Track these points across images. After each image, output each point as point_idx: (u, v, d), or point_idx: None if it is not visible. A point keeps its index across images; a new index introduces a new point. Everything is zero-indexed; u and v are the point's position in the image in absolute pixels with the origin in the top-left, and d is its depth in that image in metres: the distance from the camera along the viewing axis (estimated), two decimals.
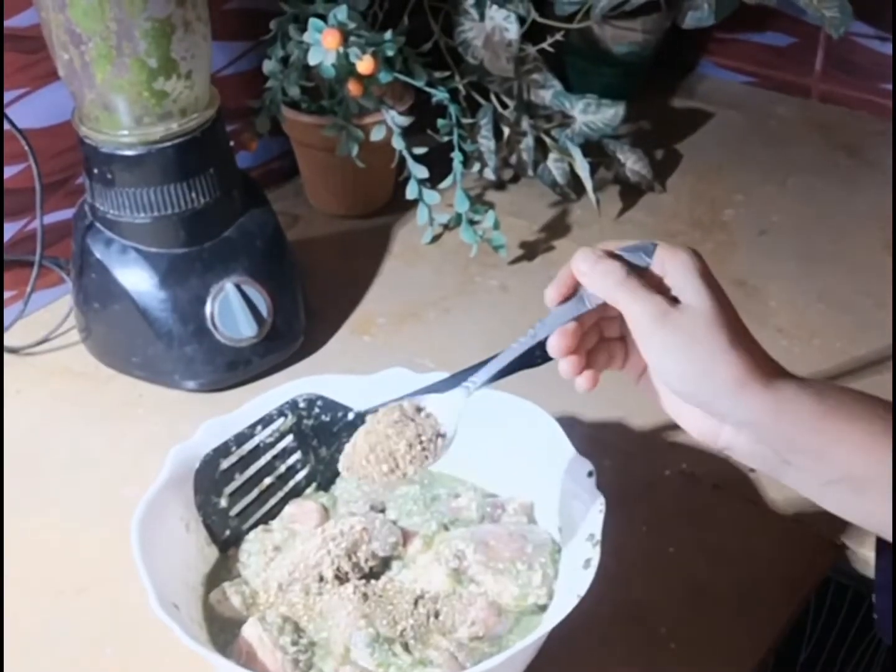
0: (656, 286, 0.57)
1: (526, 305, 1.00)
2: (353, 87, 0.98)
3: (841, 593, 0.92)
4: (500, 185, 1.17)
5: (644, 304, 0.56)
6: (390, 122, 1.01)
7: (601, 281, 0.57)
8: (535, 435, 0.71)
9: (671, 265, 0.57)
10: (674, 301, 0.56)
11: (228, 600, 0.66)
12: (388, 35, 0.97)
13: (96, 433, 0.87)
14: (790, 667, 0.99)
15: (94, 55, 0.79)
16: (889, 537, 0.56)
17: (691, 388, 0.56)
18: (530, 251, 1.08)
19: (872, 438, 0.55)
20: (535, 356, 0.72)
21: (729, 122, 1.30)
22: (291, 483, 0.73)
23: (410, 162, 1.01)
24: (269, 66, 1.02)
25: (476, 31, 1.05)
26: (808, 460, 0.56)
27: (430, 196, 1.03)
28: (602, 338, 0.62)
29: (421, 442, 0.61)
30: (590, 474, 0.67)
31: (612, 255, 0.58)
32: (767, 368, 0.56)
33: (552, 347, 0.58)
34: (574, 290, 0.59)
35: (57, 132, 0.95)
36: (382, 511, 0.72)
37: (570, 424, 0.72)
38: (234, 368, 0.90)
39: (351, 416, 0.73)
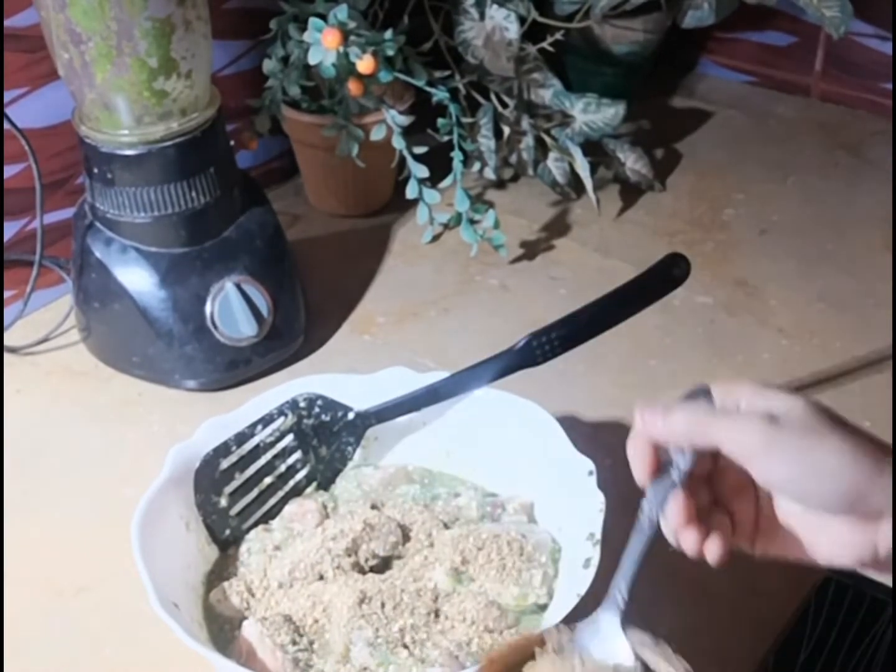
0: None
1: (526, 305, 1.00)
2: (353, 87, 0.98)
3: (841, 593, 0.92)
4: (500, 184, 1.17)
5: (744, 427, 0.51)
6: (390, 122, 1.01)
7: (686, 428, 0.52)
8: (535, 435, 0.71)
9: (741, 392, 0.53)
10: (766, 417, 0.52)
11: (228, 599, 0.66)
12: (388, 34, 0.97)
13: (96, 433, 0.87)
14: (790, 667, 0.99)
15: (94, 54, 0.79)
16: None
17: (836, 485, 0.51)
18: (530, 250, 1.08)
19: None
20: (536, 355, 0.72)
21: (729, 121, 1.30)
22: (292, 482, 0.73)
23: (410, 161, 1.01)
24: (269, 65, 1.02)
25: (476, 31, 1.05)
26: None
27: (431, 195, 1.03)
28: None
29: None
30: (590, 473, 0.67)
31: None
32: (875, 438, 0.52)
33: (670, 527, 0.54)
34: (658, 461, 0.54)
35: (57, 132, 0.95)
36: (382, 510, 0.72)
37: (570, 424, 0.71)
38: (234, 368, 0.90)
39: (351, 415, 0.73)
